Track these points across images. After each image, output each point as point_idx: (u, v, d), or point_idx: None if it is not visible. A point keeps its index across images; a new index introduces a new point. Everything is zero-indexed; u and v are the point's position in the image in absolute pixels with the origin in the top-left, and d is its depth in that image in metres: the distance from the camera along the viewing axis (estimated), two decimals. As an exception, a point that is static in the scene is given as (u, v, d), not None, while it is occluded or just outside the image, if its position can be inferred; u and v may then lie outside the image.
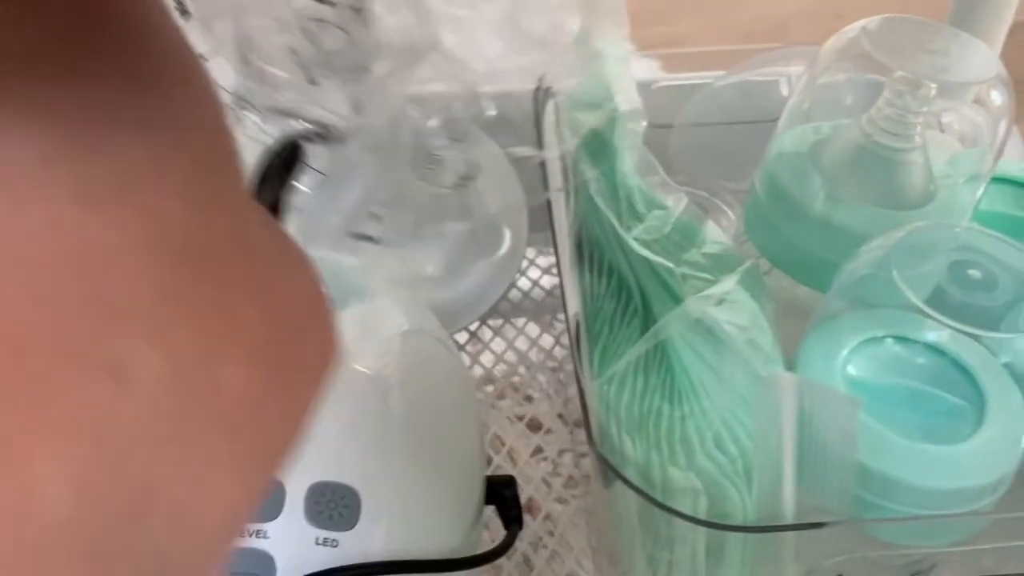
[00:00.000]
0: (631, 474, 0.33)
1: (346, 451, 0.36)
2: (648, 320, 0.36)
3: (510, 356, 0.55)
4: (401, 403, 0.38)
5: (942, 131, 0.38)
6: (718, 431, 0.31)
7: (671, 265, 0.36)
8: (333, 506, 0.34)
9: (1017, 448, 0.32)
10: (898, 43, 0.34)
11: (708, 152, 0.51)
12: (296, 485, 0.34)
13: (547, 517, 0.49)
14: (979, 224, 0.40)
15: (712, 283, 0.36)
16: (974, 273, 0.33)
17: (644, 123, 0.44)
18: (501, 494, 0.42)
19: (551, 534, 0.49)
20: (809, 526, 0.32)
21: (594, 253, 0.39)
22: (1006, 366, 0.32)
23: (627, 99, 0.43)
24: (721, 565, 0.34)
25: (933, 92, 0.34)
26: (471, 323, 0.55)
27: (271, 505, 0.34)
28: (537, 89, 0.51)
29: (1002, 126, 0.35)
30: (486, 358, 0.56)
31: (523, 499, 0.47)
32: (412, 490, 0.37)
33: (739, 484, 0.31)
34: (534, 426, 0.53)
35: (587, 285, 0.38)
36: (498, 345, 0.56)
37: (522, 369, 0.55)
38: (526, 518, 0.48)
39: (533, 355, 0.55)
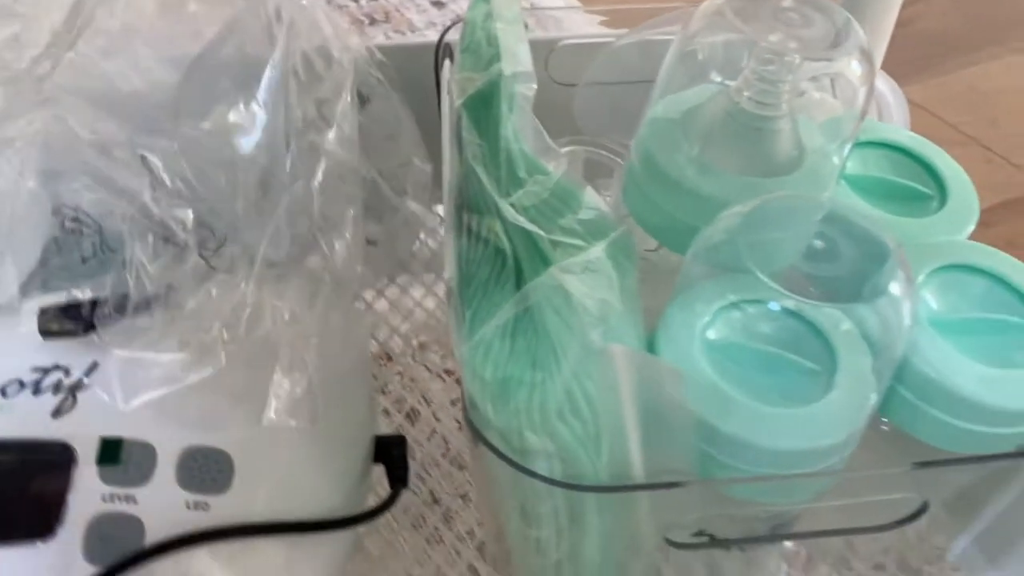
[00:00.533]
0: (494, 438, 0.34)
1: (219, 414, 0.36)
2: (520, 286, 0.37)
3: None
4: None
5: (820, 94, 0.39)
6: (574, 396, 0.32)
7: (541, 232, 0.37)
8: (206, 470, 0.35)
9: (864, 409, 0.33)
10: (761, 11, 0.35)
11: (611, 111, 0.51)
12: (168, 449, 0.35)
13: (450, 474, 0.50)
14: (848, 187, 0.41)
15: (582, 250, 0.37)
16: (818, 244, 0.33)
17: (534, 85, 0.44)
18: (389, 453, 0.43)
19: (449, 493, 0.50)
20: (659, 486, 0.33)
21: (473, 217, 0.39)
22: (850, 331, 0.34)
23: (513, 61, 0.43)
24: (584, 533, 0.35)
25: (797, 61, 0.35)
26: (391, 277, 0.55)
27: (141, 470, 0.34)
28: (438, 45, 0.51)
29: (861, 93, 0.36)
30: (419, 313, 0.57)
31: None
32: (288, 452, 0.37)
33: (589, 448, 0.32)
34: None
35: (464, 249, 0.38)
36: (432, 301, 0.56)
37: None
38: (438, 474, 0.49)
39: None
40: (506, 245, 0.38)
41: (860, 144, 0.43)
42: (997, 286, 0.37)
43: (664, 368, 0.31)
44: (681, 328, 0.35)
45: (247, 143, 0.36)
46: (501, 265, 0.38)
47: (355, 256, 0.39)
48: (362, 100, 0.48)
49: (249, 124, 0.36)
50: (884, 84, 0.46)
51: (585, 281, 0.35)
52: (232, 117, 0.36)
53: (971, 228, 0.41)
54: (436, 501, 0.50)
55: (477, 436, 0.34)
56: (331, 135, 0.40)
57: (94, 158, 0.36)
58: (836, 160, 0.37)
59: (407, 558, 0.47)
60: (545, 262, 0.37)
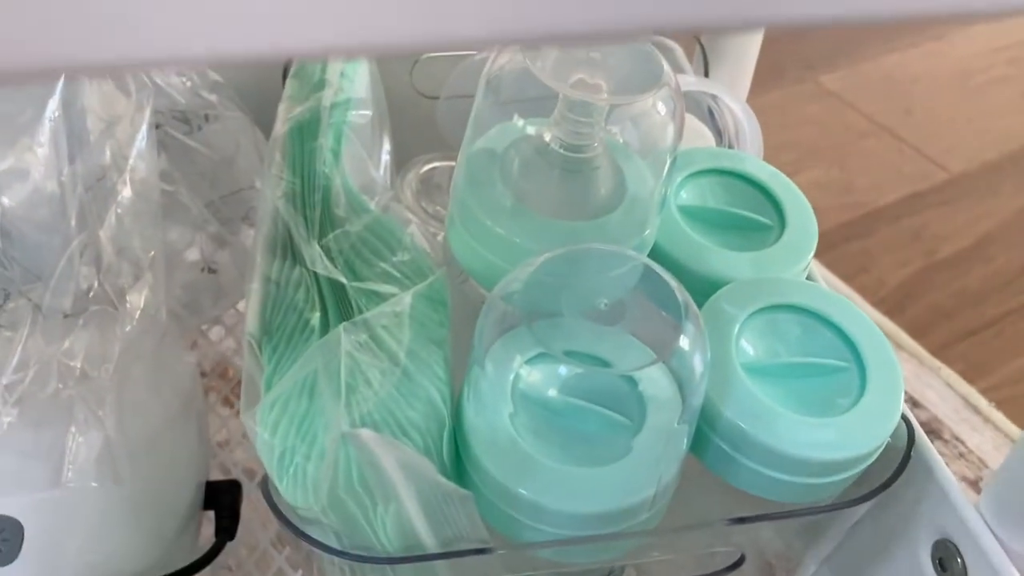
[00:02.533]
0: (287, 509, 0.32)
1: (6, 479, 0.34)
2: (323, 335, 0.35)
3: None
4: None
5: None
6: (347, 471, 0.30)
7: (343, 280, 0.35)
8: None
9: (661, 470, 0.32)
10: (562, 56, 0.33)
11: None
12: None
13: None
14: (683, 218, 0.39)
15: (386, 299, 0.35)
16: (616, 293, 0.32)
17: (367, 112, 0.42)
18: (219, 500, 0.41)
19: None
20: (453, 554, 0.32)
21: (287, 258, 0.37)
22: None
23: (343, 87, 0.41)
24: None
25: (603, 108, 0.33)
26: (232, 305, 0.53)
27: None
28: (285, 72, 0.49)
29: (670, 132, 0.34)
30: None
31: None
32: (89, 513, 0.35)
33: (373, 520, 0.31)
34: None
35: (272, 294, 0.36)
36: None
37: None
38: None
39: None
40: (314, 293, 0.36)
41: (701, 173, 0.41)
42: (821, 326, 0.36)
43: (413, 456, 0.30)
44: (488, 382, 0.33)
45: (22, 190, 0.34)
46: (309, 313, 0.36)
47: (157, 304, 0.37)
48: (194, 123, 0.46)
49: (26, 171, 0.34)
50: (739, 108, 0.45)
51: (375, 339, 0.33)
52: (5, 167, 0.34)
53: (807, 260, 0.39)
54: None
55: (268, 502, 0.32)
56: (125, 177, 0.38)
57: None
58: (655, 195, 0.36)
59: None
60: (351, 311, 0.35)
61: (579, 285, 0.33)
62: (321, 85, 0.42)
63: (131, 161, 0.37)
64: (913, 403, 0.65)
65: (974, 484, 0.61)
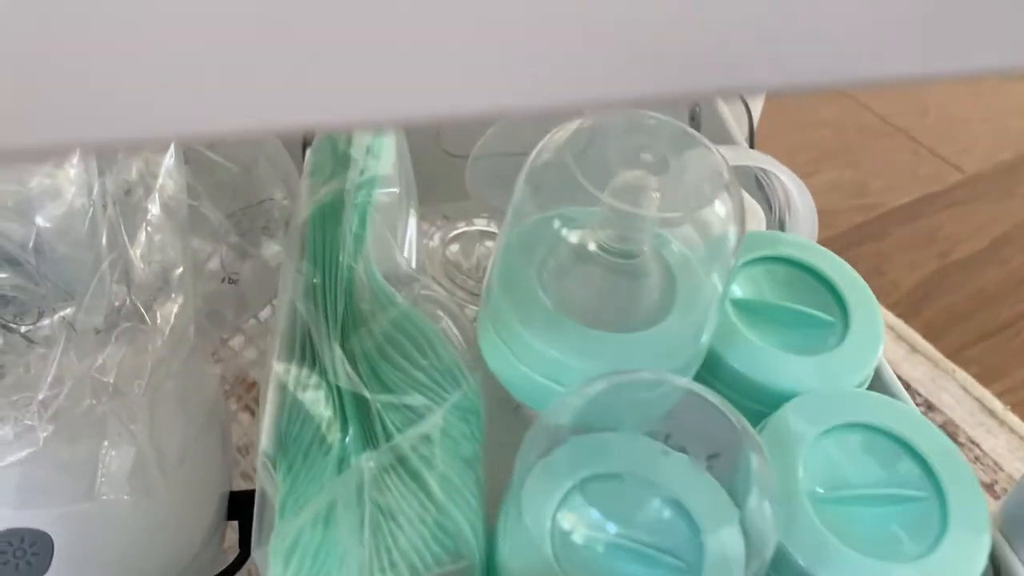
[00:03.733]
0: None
1: (38, 494, 0.34)
2: (344, 455, 0.32)
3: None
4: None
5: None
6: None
7: (367, 395, 0.32)
8: (22, 553, 0.33)
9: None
10: (609, 152, 0.29)
11: (507, 182, 0.46)
12: None
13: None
14: (737, 316, 0.36)
15: (418, 413, 0.32)
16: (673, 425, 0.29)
17: (394, 189, 0.39)
18: (243, 511, 0.39)
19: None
20: None
21: (304, 361, 0.34)
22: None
23: (365, 167, 0.38)
24: None
25: (653, 213, 0.30)
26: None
27: None
28: (305, 138, 0.46)
29: (732, 233, 0.31)
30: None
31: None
32: (118, 526, 0.35)
33: None
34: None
35: (289, 401, 0.33)
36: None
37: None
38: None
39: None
40: (335, 403, 0.33)
41: (754, 261, 0.38)
42: (893, 447, 0.32)
43: None
44: (528, 516, 0.30)
45: (54, 210, 0.34)
46: (327, 428, 0.33)
47: (186, 319, 0.37)
48: None
49: (57, 190, 0.34)
50: (790, 182, 0.41)
51: (405, 467, 0.30)
52: (38, 184, 0.34)
53: (874, 363, 0.36)
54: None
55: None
56: (155, 195, 0.38)
57: None
58: (712, 298, 0.32)
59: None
60: (377, 426, 0.32)
61: (632, 405, 0.30)
62: (345, 161, 0.38)
63: (160, 179, 0.37)
64: (928, 406, 0.64)
65: (990, 488, 0.60)
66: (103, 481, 0.35)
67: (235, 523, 0.40)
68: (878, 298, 0.73)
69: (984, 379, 0.67)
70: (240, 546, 0.39)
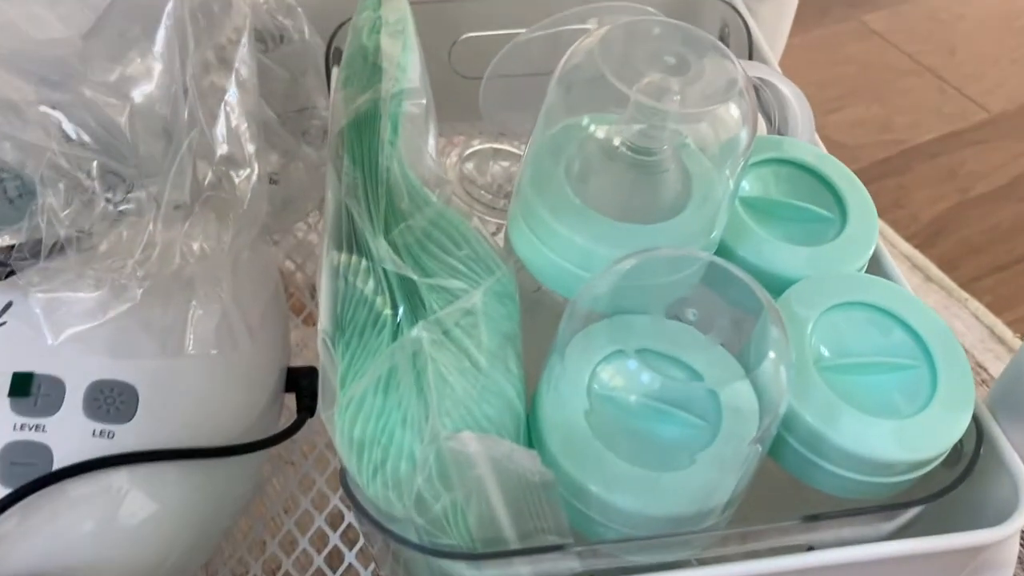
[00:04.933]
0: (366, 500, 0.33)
1: (125, 349, 0.37)
2: (397, 330, 0.35)
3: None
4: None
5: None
6: (433, 469, 0.31)
7: (414, 277, 0.35)
8: (111, 401, 0.37)
9: (739, 476, 0.33)
10: (636, 55, 0.32)
11: (519, 104, 0.49)
12: (75, 383, 0.37)
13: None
14: (745, 211, 0.39)
15: (459, 295, 0.35)
16: (688, 311, 0.32)
17: (423, 101, 0.42)
18: (299, 384, 0.45)
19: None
20: (534, 551, 0.32)
21: (353, 252, 0.38)
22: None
23: (399, 77, 0.41)
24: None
25: (675, 109, 0.33)
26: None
27: (51, 402, 0.36)
28: (328, 49, 0.48)
29: (743, 136, 0.34)
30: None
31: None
32: (195, 383, 0.39)
33: (457, 517, 0.31)
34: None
35: (342, 290, 0.37)
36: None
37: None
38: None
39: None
40: (384, 287, 0.36)
41: (761, 162, 0.41)
42: (891, 324, 0.36)
43: (520, 452, 0.30)
44: (565, 380, 0.33)
45: (144, 94, 0.37)
46: (380, 308, 0.36)
47: (259, 194, 0.40)
48: (269, 43, 0.48)
49: (145, 76, 0.37)
50: (788, 90, 0.44)
51: (451, 338, 0.33)
52: (130, 70, 0.37)
53: (868, 254, 0.39)
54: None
55: (351, 500, 0.33)
56: (231, 79, 0.41)
57: (2, 113, 0.37)
58: (724, 198, 0.36)
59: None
60: (422, 306, 0.36)
61: (658, 288, 0.33)
62: (377, 72, 0.41)
63: (236, 63, 0.41)
64: None
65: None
66: (191, 337, 0.39)
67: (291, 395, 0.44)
68: (896, 230, 0.75)
69: (996, 308, 0.69)
70: (298, 412, 0.44)
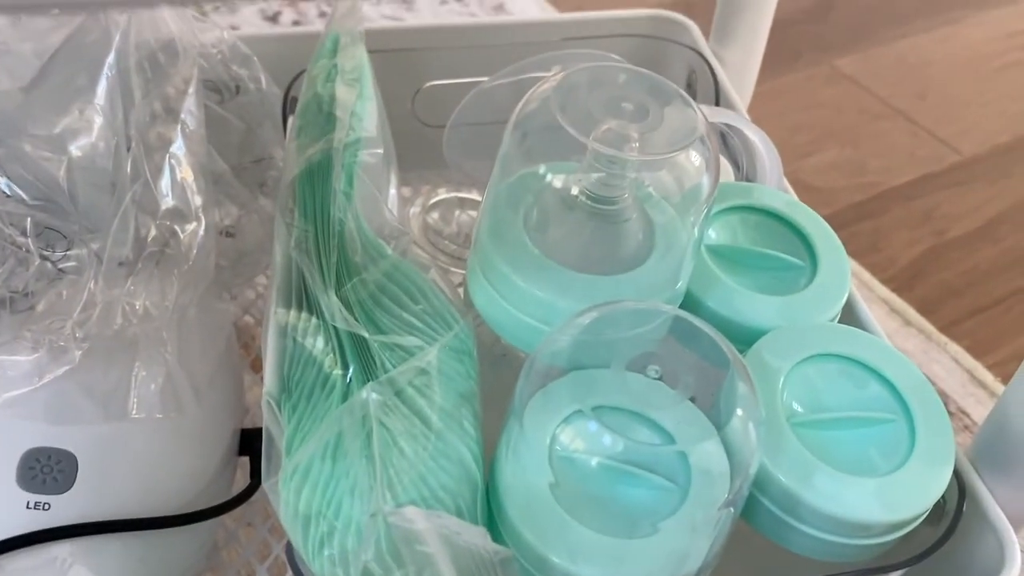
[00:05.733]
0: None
1: (64, 414, 0.36)
2: (347, 393, 0.33)
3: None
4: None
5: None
6: (380, 544, 0.29)
7: (365, 335, 0.33)
8: (48, 470, 0.35)
9: (712, 540, 0.31)
10: (593, 102, 0.31)
11: (483, 151, 0.48)
12: (9, 451, 0.35)
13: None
14: (713, 260, 0.38)
15: (413, 353, 0.34)
16: (651, 368, 0.31)
17: (378, 150, 0.40)
18: (253, 446, 0.42)
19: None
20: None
21: (303, 309, 0.36)
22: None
23: (353, 126, 0.40)
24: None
25: (633, 156, 0.31)
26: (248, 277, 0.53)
27: None
28: (284, 98, 0.47)
29: (704, 182, 0.33)
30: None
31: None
32: (137, 450, 0.37)
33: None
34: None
35: (290, 349, 0.35)
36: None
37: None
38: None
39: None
40: (334, 345, 0.34)
41: (728, 209, 0.40)
42: (867, 376, 0.34)
43: (467, 529, 0.28)
44: (524, 442, 0.31)
45: (84, 147, 0.36)
46: (328, 369, 0.34)
47: (207, 249, 0.39)
48: (224, 93, 0.47)
49: (86, 128, 0.37)
50: (755, 136, 0.43)
51: (403, 399, 0.32)
52: (71, 123, 0.36)
53: (841, 303, 0.38)
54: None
55: (294, 571, 0.31)
56: (177, 130, 0.40)
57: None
58: (688, 247, 0.34)
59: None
60: (375, 365, 0.34)
61: (621, 342, 0.31)
62: (331, 122, 0.40)
63: (183, 115, 0.39)
64: None
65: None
66: (135, 400, 0.37)
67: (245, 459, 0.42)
68: (873, 274, 0.74)
69: (976, 352, 0.68)
70: (251, 477, 0.42)
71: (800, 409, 0.33)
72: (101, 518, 0.35)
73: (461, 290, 0.39)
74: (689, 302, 0.37)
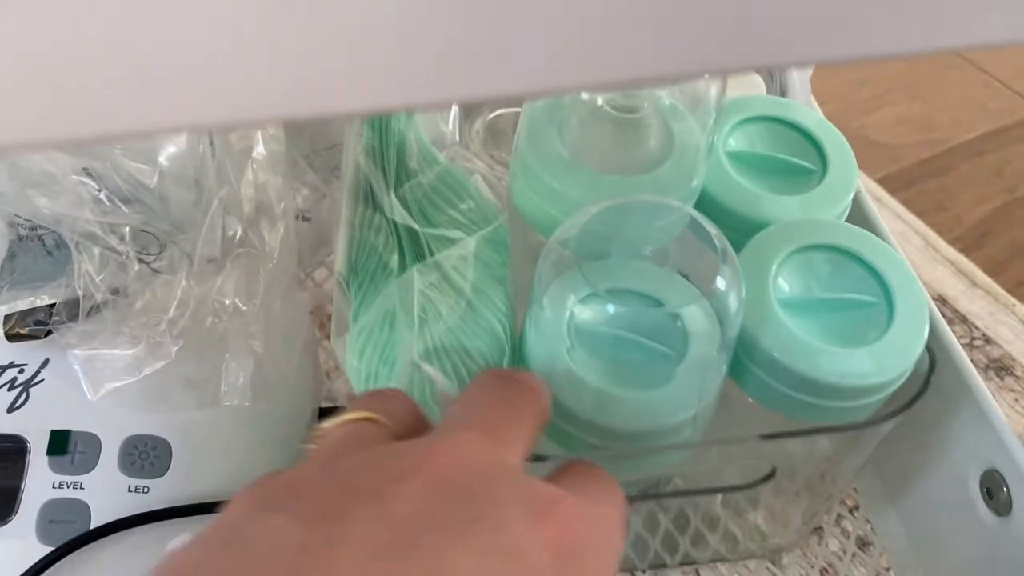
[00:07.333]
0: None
1: (158, 405, 0.39)
2: (400, 273, 0.40)
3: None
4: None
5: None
6: (422, 390, 0.35)
7: (417, 227, 0.40)
8: (145, 456, 0.38)
9: (700, 393, 0.36)
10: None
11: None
12: (111, 439, 0.39)
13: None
14: (732, 164, 0.42)
15: (455, 243, 0.40)
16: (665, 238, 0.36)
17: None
18: None
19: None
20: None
21: (368, 206, 0.42)
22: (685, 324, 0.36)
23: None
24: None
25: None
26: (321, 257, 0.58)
27: (87, 459, 0.38)
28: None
29: (713, 91, 0.37)
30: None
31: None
32: (226, 433, 0.41)
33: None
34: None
35: (356, 239, 0.41)
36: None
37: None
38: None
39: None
40: (392, 237, 0.41)
41: (750, 120, 0.44)
42: (853, 264, 0.39)
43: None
44: (546, 318, 0.37)
45: (173, 156, 0.39)
46: (388, 255, 0.40)
47: (289, 245, 0.43)
48: None
49: (174, 139, 0.39)
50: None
51: (445, 278, 0.38)
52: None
53: (846, 202, 0.42)
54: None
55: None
56: (257, 133, 0.43)
57: (39, 181, 0.39)
58: (701, 149, 0.39)
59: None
60: (424, 253, 0.40)
61: (629, 232, 0.37)
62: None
63: None
64: (986, 340, 0.66)
65: (1039, 410, 0.62)
66: (226, 389, 0.40)
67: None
68: (940, 234, 0.72)
69: None
70: None
71: (788, 289, 0.38)
72: (193, 500, 0.39)
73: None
74: (706, 201, 0.42)
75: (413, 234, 0.40)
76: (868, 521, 0.53)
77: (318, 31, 0.14)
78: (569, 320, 0.37)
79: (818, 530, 0.52)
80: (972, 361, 0.44)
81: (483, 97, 0.15)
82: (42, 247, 0.39)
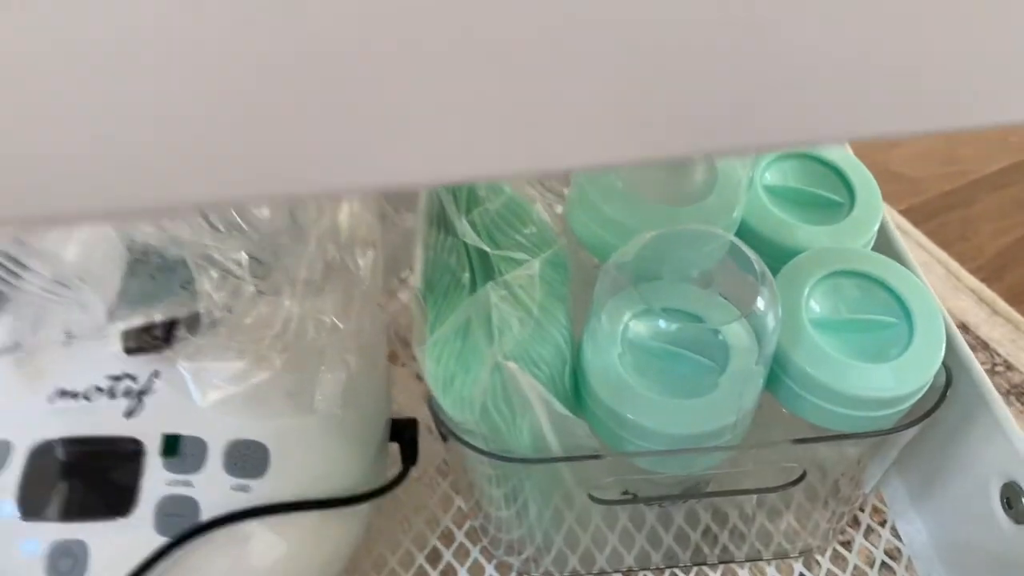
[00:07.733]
0: (447, 421, 0.43)
1: (257, 412, 0.43)
2: (473, 292, 0.45)
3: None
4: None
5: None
6: (495, 392, 0.40)
7: (487, 248, 0.45)
8: (247, 458, 0.42)
9: (740, 402, 0.41)
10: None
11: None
12: (216, 442, 0.42)
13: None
14: (768, 198, 0.47)
15: (522, 263, 0.45)
16: (709, 264, 0.40)
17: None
18: (402, 434, 0.52)
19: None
20: (571, 459, 0.41)
21: (442, 230, 0.47)
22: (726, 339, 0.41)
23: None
24: (521, 492, 0.43)
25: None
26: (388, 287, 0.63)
27: (195, 460, 0.42)
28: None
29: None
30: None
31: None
32: (314, 441, 0.45)
33: (512, 430, 0.40)
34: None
35: (432, 258, 0.46)
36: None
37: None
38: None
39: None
40: (464, 257, 0.46)
41: (783, 157, 0.49)
42: (878, 289, 0.43)
43: (528, 383, 0.39)
44: (602, 331, 0.42)
45: None
46: (460, 273, 0.46)
47: (377, 271, 0.48)
48: None
49: None
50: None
51: (514, 295, 0.43)
52: None
53: (872, 232, 0.46)
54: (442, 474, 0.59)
55: (434, 418, 0.43)
56: None
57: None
58: (742, 183, 0.44)
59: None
60: (493, 272, 0.45)
61: (677, 257, 0.41)
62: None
63: None
64: (1007, 366, 0.69)
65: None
66: (320, 398, 0.44)
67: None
68: (961, 263, 0.74)
69: None
70: (402, 462, 0.50)
71: (818, 310, 0.42)
72: (289, 498, 0.42)
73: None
74: (745, 230, 0.46)
75: (483, 255, 0.45)
76: (896, 533, 0.56)
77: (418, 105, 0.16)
78: (623, 334, 0.42)
79: (847, 543, 0.56)
80: (994, 386, 0.47)
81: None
82: (147, 270, 0.44)
